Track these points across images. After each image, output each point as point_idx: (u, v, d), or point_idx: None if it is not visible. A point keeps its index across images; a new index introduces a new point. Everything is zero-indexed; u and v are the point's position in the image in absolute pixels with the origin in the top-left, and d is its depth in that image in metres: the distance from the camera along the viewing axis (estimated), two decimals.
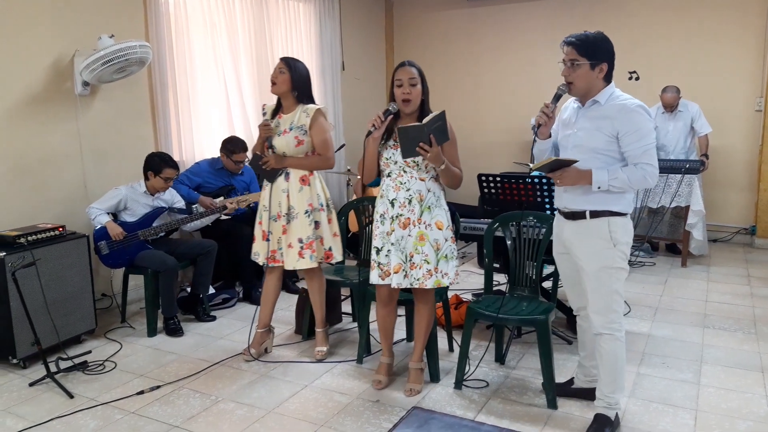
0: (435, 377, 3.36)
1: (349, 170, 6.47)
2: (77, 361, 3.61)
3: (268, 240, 3.61)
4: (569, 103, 2.84)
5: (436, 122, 2.88)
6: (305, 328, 4.01)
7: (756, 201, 6.40)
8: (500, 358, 3.60)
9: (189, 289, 4.62)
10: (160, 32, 4.84)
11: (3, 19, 3.93)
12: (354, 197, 5.86)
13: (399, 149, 2.97)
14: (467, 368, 3.31)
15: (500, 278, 4.60)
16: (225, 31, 5.45)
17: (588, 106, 2.69)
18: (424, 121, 2.89)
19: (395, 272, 3.10)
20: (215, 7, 5.34)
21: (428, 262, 3.06)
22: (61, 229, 3.82)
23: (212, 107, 5.48)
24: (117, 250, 4.13)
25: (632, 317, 4.33)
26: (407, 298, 3.39)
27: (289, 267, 3.61)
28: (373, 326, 3.79)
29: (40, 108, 4.16)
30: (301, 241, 3.55)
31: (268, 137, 3.55)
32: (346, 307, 4.46)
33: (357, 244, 4.06)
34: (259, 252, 3.69)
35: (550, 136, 2.83)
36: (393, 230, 3.12)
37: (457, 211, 3.71)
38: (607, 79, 2.67)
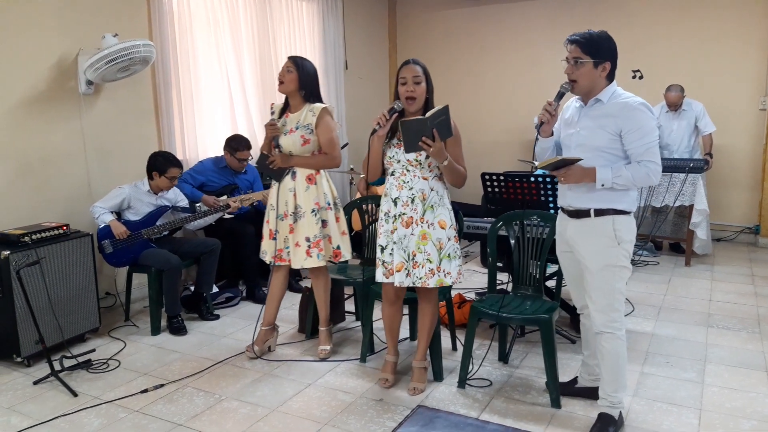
0: (438, 376, 3.36)
1: (352, 169, 6.46)
2: (81, 359, 3.62)
3: (275, 239, 3.62)
4: (571, 103, 2.84)
5: (440, 116, 2.87)
6: (309, 326, 4.01)
7: (760, 200, 6.39)
8: (504, 357, 3.60)
9: (192, 288, 4.63)
10: (164, 31, 4.85)
11: (7, 18, 3.93)
12: (357, 196, 5.86)
13: (403, 147, 2.97)
14: (471, 367, 3.31)
15: (503, 277, 4.59)
16: (228, 30, 5.46)
17: (590, 104, 2.70)
18: (427, 114, 2.89)
19: (397, 271, 3.10)
20: (218, 6, 5.34)
21: (431, 261, 3.06)
22: (65, 227, 3.83)
23: (215, 106, 5.48)
24: (121, 248, 4.13)
25: (636, 316, 4.32)
26: (411, 297, 3.39)
27: (296, 266, 3.61)
28: (377, 325, 3.80)
29: (43, 107, 4.17)
30: (308, 239, 3.55)
31: (275, 136, 3.55)
32: (349, 306, 4.46)
33: (360, 242, 4.06)
34: (266, 250, 3.70)
35: (552, 135, 2.83)
36: (396, 229, 3.12)
37: (460, 210, 3.71)
38: (610, 77, 2.67)
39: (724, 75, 6.36)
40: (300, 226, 3.57)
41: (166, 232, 4.37)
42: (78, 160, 4.41)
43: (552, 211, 3.74)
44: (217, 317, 4.45)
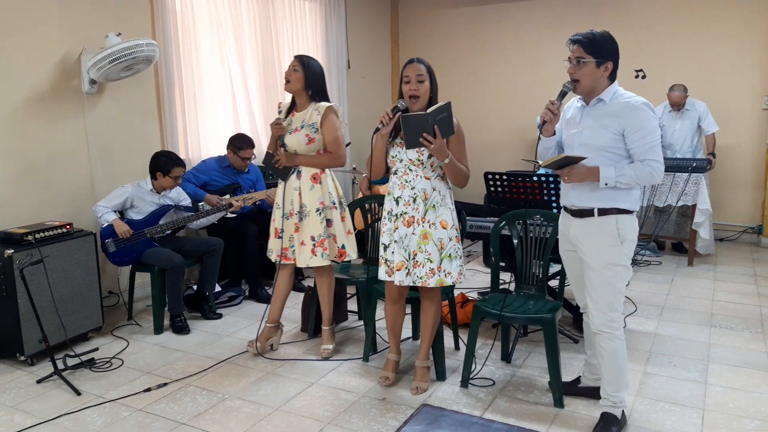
0: (441, 375, 3.36)
1: (354, 168, 6.47)
2: (84, 358, 3.63)
3: (280, 237, 3.62)
4: (572, 103, 2.85)
5: (441, 113, 2.86)
6: (311, 326, 4.01)
7: (763, 200, 6.38)
8: (506, 357, 3.60)
9: (195, 287, 4.63)
10: (167, 30, 4.85)
11: (11, 17, 3.94)
12: (360, 195, 5.86)
13: (405, 145, 2.97)
14: (473, 367, 3.31)
15: (505, 277, 4.59)
16: (231, 30, 5.46)
17: (593, 104, 2.70)
18: (429, 110, 2.88)
19: (398, 270, 3.11)
20: (221, 6, 5.35)
21: (431, 261, 3.07)
22: (68, 226, 3.83)
23: (218, 105, 5.49)
24: (124, 247, 4.14)
25: (638, 316, 4.32)
26: (413, 296, 3.39)
27: (301, 264, 3.62)
28: (379, 324, 3.80)
29: (47, 106, 4.18)
30: (313, 239, 3.56)
31: (280, 135, 3.56)
32: (352, 305, 4.46)
33: (363, 242, 4.06)
34: (272, 249, 3.72)
35: (554, 134, 2.83)
36: (397, 228, 3.13)
37: (463, 209, 3.71)
38: (612, 77, 2.68)
39: (727, 75, 6.35)
40: (305, 225, 3.57)
41: (168, 231, 4.38)
42: (81, 159, 4.42)
43: (555, 210, 3.74)
44: (220, 316, 4.45)
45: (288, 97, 3.69)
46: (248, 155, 4.85)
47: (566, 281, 3.17)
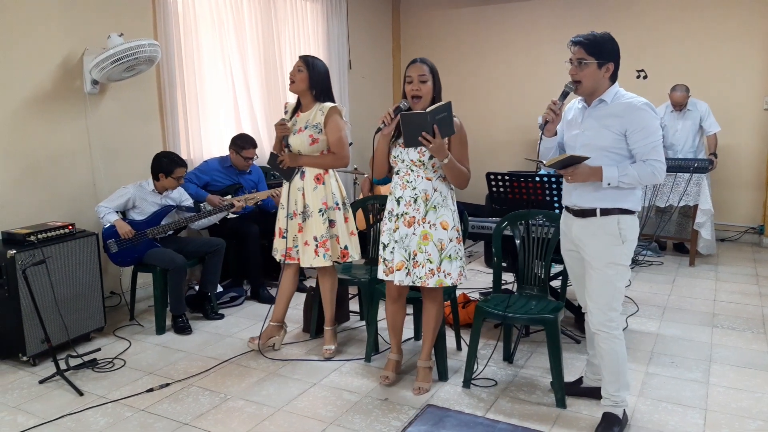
0: (443, 376, 3.36)
1: (356, 169, 6.47)
2: (87, 358, 3.63)
3: (284, 237, 3.63)
4: (573, 104, 2.86)
5: (441, 112, 2.86)
6: (313, 326, 4.01)
7: (764, 200, 6.38)
8: (509, 357, 3.60)
9: (197, 288, 4.64)
10: (169, 31, 4.85)
11: (13, 18, 3.95)
12: (361, 196, 5.87)
13: (404, 144, 2.98)
14: (476, 367, 3.31)
15: (507, 277, 4.60)
16: (233, 30, 5.46)
17: (594, 105, 2.72)
18: (428, 109, 2.89)
19: (398, 269, 3.12)
20: (223, 6, 5.35)
21: (431, 262, 3.07)
22: (70, 227, 3.84)
23: (220, 106, 5.49)
24: (126, 248, 4.14)
25: (640, 316, 4.32)
26: (415, 296, 3.40)
27: (305, 264, 3.63)
28: (381, 324, 3.80)
29: (49, 106, 4.18)
30: (315, 239, 3.57)
31: (284, 136, 3.56)
32: (354, 305, 4.46)
33: (365, 242, 4.07)
34: (277, 248, 3.74)
35: (556, 134, 2.84)
36: (397, 228, 3.13)
37: (464, 209, 3.71)
38: (613, 78, 2.70)
39: (729, 75, 6.36)
40: (308, 225, 3.58)
41: (170, 232, 4.38)
42: (83, 159, 4.42)
43: (557, 210, 3.74)
44: (222, 317, 4.45)
45: (294, 97, 3.70)
46: (251, 155, 4.86)
47: (568, 281, 3.17)
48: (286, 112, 3.70)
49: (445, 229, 3.08)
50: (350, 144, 6.44)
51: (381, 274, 3.22)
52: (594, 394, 3.04)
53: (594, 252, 2.71)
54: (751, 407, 3.04)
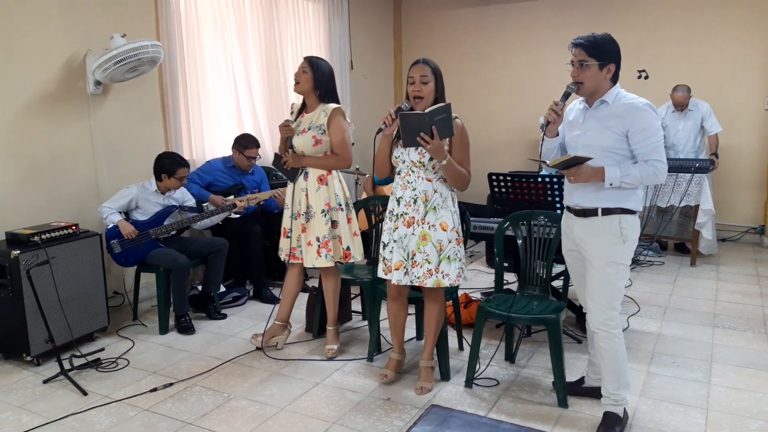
0: (446, 376, 3.38)
1: (357, 169, 6.48)
2: (90, 358, 3.65)
3: (289, 237, 3.66)
4: (574, 105, 2.87)
5: (440, 114, 2.87)
6: (316, 326, 4.03)
7: (765, 200, 6.39)
8: (510, 357, 3.61)
9: (200, 288, 4.65)
10: (171, 31, 4.87)
11: (16, 18, 3.96)
12: (363, 196, 5.88)
13: (402, 144, 3.00)
14: (477, 367, 3.32)
15: (509, 277, 4.61)
16: (235, 30, 5.48)
17: (596, 106, 2.73)
18: (426, 110, 2.90)
19: (396, 269, 3.14)
20: (225, 7, 5.36)
21: (429, 262, 3.08)
22: (74, 227, 3.86)
23: (222, 106, 5.51)
24: (129, 248, 4.16)
25: (641, 316, 4.33)
26: (417, 296, 3.41)
27: (308, 265, 3.66)
28: (384, 324, 3.81)
29: (52, 107, 4.20)
30: (318, 239, 3.58)
31: (288, 137, 3.58)
32: (356, 305, 4.48)
33: (367, 242, 4.08)
34: (282, 248, 3.76)
35: (557, 135, 2.86)
36: (397, 228, 3.15)
37: (466, 210, 3.72)
38: (614, 79, 2.71)
39: (730, 75, 6.36)
40: (311, 225, 3.60)
41: (173, 232, 4.39)
42: (86, 159, 4.44)
43: (558, 211, 3.76)
44: (225, 317, 4.47)
45: (301, 98, 3.71)
46: (253, 154, 4.87)
47: (570, 282, 3.18)
48: (292, 113, 3.72)
49: (444, 230, 3.09)
50: (352, 144, 6.50)
51: (381, 273, 3.25)
52: (596, 393, 3.04)
53: (595, 251, 2.72)
54: (753, 407, 3.05)
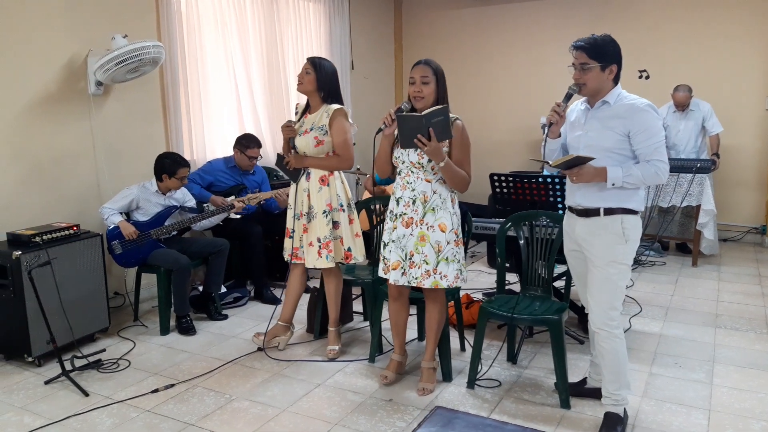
0: (447, 377, 3.37)
1: (358, 169, 6.47)
2: (92, 359, 3.65)
3: (291, 237, 3.67)
4: (576, 106, 2.87)
5: (437, 116, 2.87)
6: (317, 326, 4.02)
7: (766, 200, 6.38)
8: (512, 358, 3.61)
9: (201, 288, 4.65)
10: (172, 32, 4.87)
11: (17, 19, 3.96)
12: (365, 196, 5.88)
13: (399, 145, 3.00)
14: (480, 368, 3.32)
15: (509, 278, 4.60)
16: (236, 31, 5.48)
17: (597, 106, 2.74)
18: (424, 112, 2.90)
19: (393, 269, 3.15)
20: (226, 7, 5.36)
21: (427, 263, 3.08)
22: (75, 228, 3.85)
23: (223, 106, 5.51)
24: (130, 249, 4.15)
25: (643, 317, 4.33)
26: (419, 297, 3.41)
27: (309, 265, 3.66)
28: (385, 325, 3.81)
29: (54, 108, 4.19)
30: (319, 240, 3.58)
31: (290, 137, 3.58)
32: (357, 306, 4.47)
33: (369, 243, 4.08)
34: (286, 248, 3.77)
35: (560, 136, 2.86)
36: (396, 228, 3.15)
37: (468, 210, 3.72)
38: (616, 80, 2.72)
39: (731, 75, 6.36)
40: (313, 226, 3.60)
41: (174, 233, 4.39)
42: (88, 160, 4.43)
43: (561, 211, 3.75)
44: (226, 317, 4.46)
45: (305, 98, 3.71)
46: (255, 154, 4.86)
47: (572, 282, 3.18)
48: (296, 113, 3.73)
49: (443, 231, 3.08)
50: (353, 144, 6.50)
51: (381, 272, 3.26)
52: (598, 394, 3.03)
53: (597, 251, 2.73)
54: (755, 407, 3.05)
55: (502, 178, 3.98)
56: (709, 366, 3.53)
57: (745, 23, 6.24)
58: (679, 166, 5.52)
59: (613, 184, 2.64)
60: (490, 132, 7.49)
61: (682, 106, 5.85)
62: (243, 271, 5.00)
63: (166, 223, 4.28)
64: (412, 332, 3.85)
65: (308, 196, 3.60)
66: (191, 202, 4.48)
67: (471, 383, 3.29)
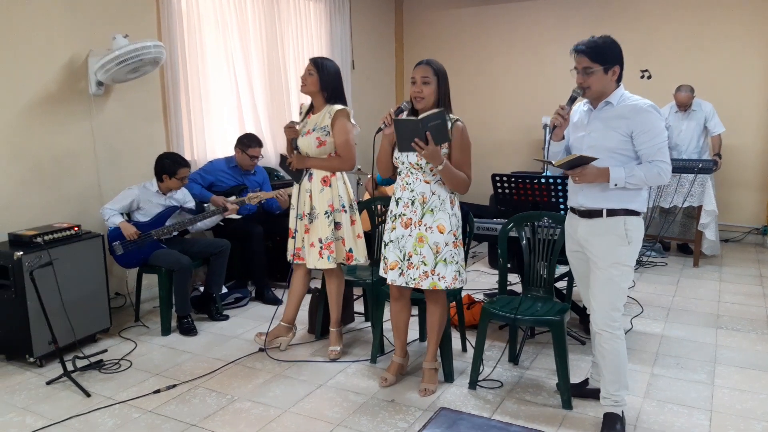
0: (449, 377, 3.37)
1: (359, 169, 6.47)
2: (93, 359, 3.64)
3: (294, 237, 3.67)
4: (578, 107, 2.88)
5: (434, 120, 2.86)
6: (319, 327, 4.02)
7: None
8: (514, 359, 3.60)
9: (202, 289, 4.65)
10: (173, 32, 4.86)
11: (18, 19, 3.95)
12: (365, 196, 5.87)
13: (397, 148, 3.00)
14: (481, 368, 3.31)
15: (510, 278, 4.59)
16: (236, 31, 5.47)
17: (600, 107, 2.74)
18: (420, 116, 2.90)
19: (391, 269, 3.15)
20: (227, 7, 5.36)
21: (425, 264, 3.08)
22: (76, 228, 3.85)
23: (224, 106, 5.50)
24: (132, 250, 4.15)
25: (645, 317, 4.33)
26: (420, 297, 3.40)
27: (310, 266, 3.67)
28: (387, 326, 3.81)
29: (54, 108, 4.19)
30: (320, 241, 3.58)
31: (293, 138, 3.58)
32: (359, 306, 4.47)
33: (370, 243, 4.07)
34: (288, 248, 3.77)
35: (563, 138, 2.86)
36: (395, 228, 3.16)
37: (469, 211, 3.72)
38: (618, 80, 2.72)
39: (733, 75, 6.35)
40: (314, 227, 3.60)
41: (175, 233, 4.39)
42: (88, 160, 4.43)
43: (563, 212, 3.75)
44: (227, 318, 4.46)
45: (303, 98, 3.72)
46: (256, 154, 4.86)
47: (573, 283, 3.17)
48: (300, 113, 3.73)
49: (441, 232, 3.08)
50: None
51: (381, 272, 3.27)
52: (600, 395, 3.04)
53: (599, 252, 2.73)
54: (757, 408, 3.05)
55: (504, 178, 3.97)
56: (711, 367, 3.53)
57: (746, 23, 6.24)
58: (680, 167, 5.52)
59: (616, 185, 2.64)
60: (490, 132, 7.48)
61: (684, 106, 5.85)
62: (244, 271, 5.00)
63: (167, 224, 4.27)
64: (413, 333, 3.85)
65: (310, 196, 3.60)
66: (191, 203, 4.48)
67: (473, 384, 3.29)
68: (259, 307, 4.71)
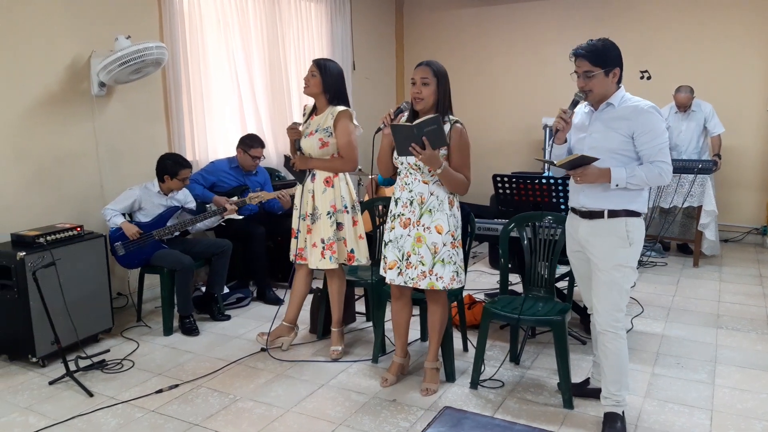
0: (451, 377, 3.39)
1: (360, 170, 6.48)
2: (96, 359, 3.65)
3: (296, 238, 3.69)
4: (579, 108, 2.90)
5: (429, 125, 2.87)
6: (320, 327, 4.03)
7: (767, 201, 6.39)
8: (515, 358, 3.62)
9: (204, 289, 4.66)
10: (175, 32, 4.87)
11: (20, 20, 3.96)
12: (366, 197, 5.89)
13: (396, 152, 3.02)
14: (483, 368, 3.33)
15: (511, 278, 4.60)
16: (238, 31, 5.48)
17: (602, 108, 2.76)
18: (415, 122, 2.92)
19: (390, 268, 3.17)
20: (228, 8, 5.37)
21: (423, 264, 3.09)
22: (79, 228, 3.86)
23: (225, 107, 5.51)
24: (133, 250, 4.16)
25: (645, 317, 4.34)
26: (421, 297, 3.42)
27: (312, 266, 3.68)
28: (388, 326, 3.82)
29: (56, 108, 4.20)
30: (323, 241, 3.59)
31: (296, 139, 3.59)
32: (360, 306, 4.48)
33: (372, 244, 4.08)
34: (291, 249, 3.78)
35: (566, 141, 2.87)
36: (394, 228, 3.18)
37: (471, 211, 3.73)
38: (619, 81, 2.74)
39: (732, 76, 6.37)
40: (316, 227, 3.61)
41: (177, 233, 4.40)
42: (90, 161, 4.44)
43: (564, 213, 3.76)
44: (228, 318, 4.47)
45: (305, 99, 3.74)
46: (258, 154, 4.87)
47: (574, 283, 3.18)
48: (304, 114, 3.74)
49: (439, 233, 3.09)
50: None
51: (381, 271, 3.29)
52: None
53: (601, 254, 2.74)
54: (757, 408, 3.06)
55: (505, 179, 3.99)
56: (711, 366, 3.55)
57: (746, 23, 6.25)
58: (680, 167, 5.53)
59: (617, 185, 2.66)
60: (491, 132, 7.49)
61: (683, 107, 5.86)
62: (246, 271, 5.01)
63: (168, 224, 4.28)
64: (415, 333, 3.86)
65: (313, 197, 3.61)
66: (192, 204, 4.49)
67: (474, 384, 3.30)
68: (260, 307, 4.72)
